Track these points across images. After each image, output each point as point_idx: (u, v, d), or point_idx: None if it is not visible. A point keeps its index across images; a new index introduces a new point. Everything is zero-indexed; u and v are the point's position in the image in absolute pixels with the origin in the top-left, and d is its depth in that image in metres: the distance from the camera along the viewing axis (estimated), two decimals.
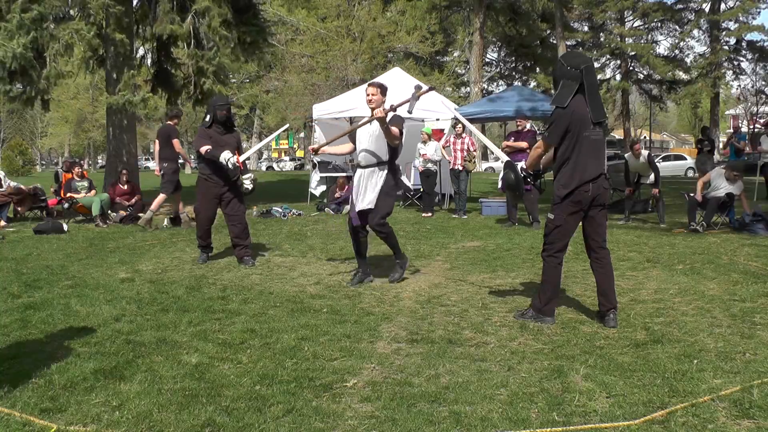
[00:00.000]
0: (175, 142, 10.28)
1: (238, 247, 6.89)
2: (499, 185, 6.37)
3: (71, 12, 12.06)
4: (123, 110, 12.11)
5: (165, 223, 10.56)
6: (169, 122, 10.49)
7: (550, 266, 4.47)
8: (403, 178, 6.13)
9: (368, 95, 5.56)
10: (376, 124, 5.49)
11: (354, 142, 5.82)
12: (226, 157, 6.56)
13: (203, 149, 6.65)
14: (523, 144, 10.11)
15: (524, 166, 4.73)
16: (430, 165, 11.92)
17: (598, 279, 4.52)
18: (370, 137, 5.63)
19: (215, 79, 12.27)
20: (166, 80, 14.05)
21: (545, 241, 4.50)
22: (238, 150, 6.90)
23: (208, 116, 6.84)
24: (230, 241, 7.04)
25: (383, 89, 5.62)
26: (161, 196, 10.27)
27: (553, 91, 4.50)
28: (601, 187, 4.36)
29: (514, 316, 4.62)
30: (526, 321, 4.47)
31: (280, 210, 11.93)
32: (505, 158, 5.46)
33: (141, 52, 14.82)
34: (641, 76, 37.72)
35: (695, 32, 34.46)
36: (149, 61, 14.46)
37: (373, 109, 5.44)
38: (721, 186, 9.27)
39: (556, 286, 4.49)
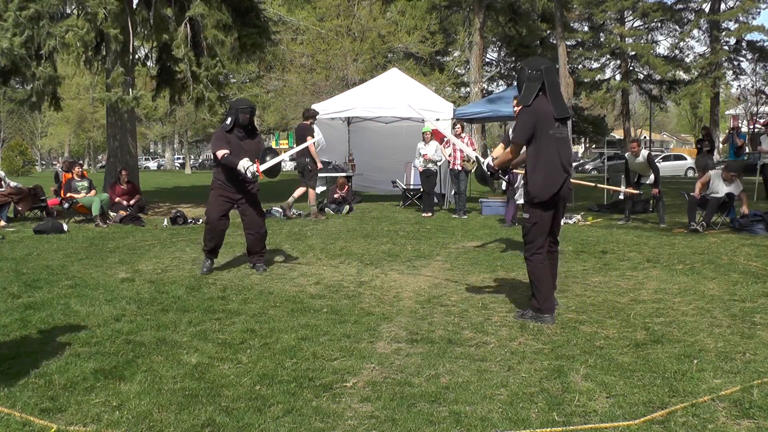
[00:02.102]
0: (309, 139, 10.88)
1: (254, 255, 6.54)
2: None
3: (68, 10, 12.07)
4: (115, 107, 12.11)
5: (165, 223, 10.57)
6: (305, 122, 11.22)
7: (535, 264, 4.55)
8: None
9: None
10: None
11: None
12: (245, 165, 6.03)
13: (220, 153, 6.15)
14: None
15: (491, 163, 4.94)
16: (430, 165, 11.93)
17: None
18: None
19: (208, 85, 12.26)
20: (169, 78, 14.04)
21: (526, 241, 4.61)
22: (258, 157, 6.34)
23: (229, 119, 6.28)
24: (246, 248, 6.67)
25: None
26: (311, 192, 11.16)
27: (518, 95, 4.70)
28: (566, 187, 4.54)
29: (515, 316, 4.63)
30: (526, 321, 4.48)
31: (280, 210, 11.92)
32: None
33: (143, 51, 14.82)
34: (641, 76, 37.70)
35: (695, 32, 34.44)
36: (153, 60, 14.45)
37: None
38: (720, 187, 9.28)
39: (548, 282, 4.55)
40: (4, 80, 11.51)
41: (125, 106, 11.82)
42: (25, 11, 10.82)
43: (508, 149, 4.70)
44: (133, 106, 11.97)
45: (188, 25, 11.98)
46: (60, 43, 11.03)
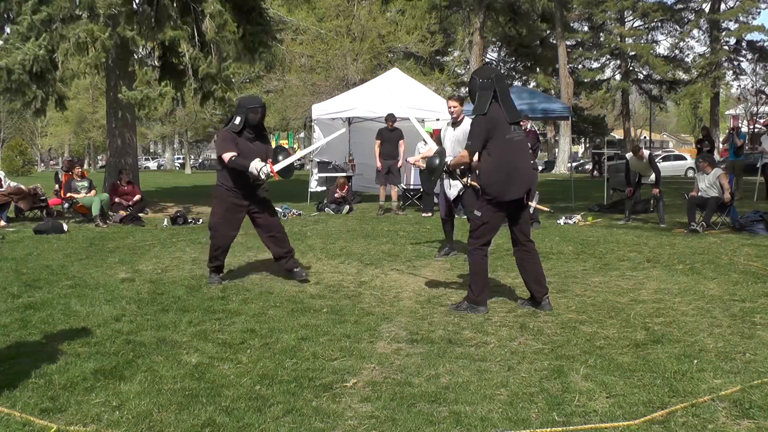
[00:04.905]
0: (400, 142, 12.06)
1: (284, 259, 5.88)
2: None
3: (79, 13, 12.05)
4: (141, 106, 12.16)
5: (165, 223, 10.56)
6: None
7: (478, 258, 4.75)
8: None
9: (450, 108, 6.42)
10: (459, 130, 6.40)
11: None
12: (257, 167, 5.43)
13: (227, 156, 5.52)
14: None
15: (449, 162, 5.14)
16: None
17: (529, 269, 4.80)
18: (453, 142, 6.42)
19: (225, 86, 12.34)
20: (171, 74, 13.98)
21: (472, 236, 4.80)
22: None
23: (238, 119, 5.61)
24: (273, 257, 6.03)
25: (462, 100, 6.55)
26: (383, 189, 12.26)
27: (472, 104, 4.84)
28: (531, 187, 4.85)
29: (450, 309, 4.80)
30: (461, 312, 4.69)
31: (280, 210, 11.92)
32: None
33: (146, 51, 14.77)
34: (641, 76, 37.74)
35: (695, 32, 34.51)
36: (155, 57, 14.40)
37: (455, 120, 6.46)
38: (705, 185, 9.35)
39: (485, 276, 4.80)
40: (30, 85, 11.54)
41: (151, 104, 11.86)
42: (37, 15, 10.83)
43: (464, 153, 4.85)
44: (159, 104, 12.06)
45: (203, 20, 11.94)
46: (75, 46, 11.02)
